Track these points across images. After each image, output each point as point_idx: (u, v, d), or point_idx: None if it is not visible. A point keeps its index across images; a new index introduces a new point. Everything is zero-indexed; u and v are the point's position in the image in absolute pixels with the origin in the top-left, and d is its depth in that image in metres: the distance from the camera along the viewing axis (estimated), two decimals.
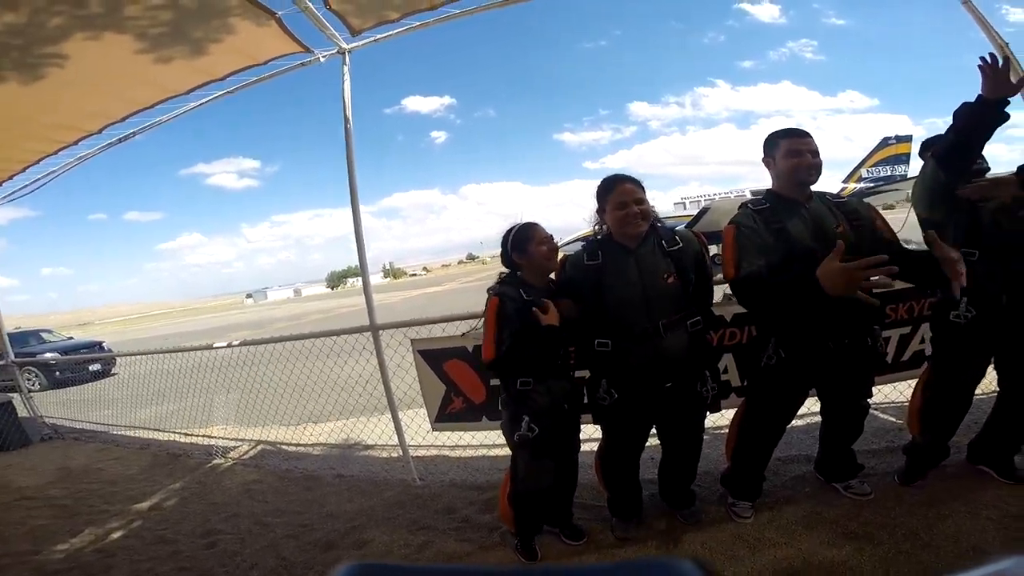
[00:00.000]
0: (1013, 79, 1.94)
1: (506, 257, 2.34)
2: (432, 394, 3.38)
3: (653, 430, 2.42)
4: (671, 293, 2.15)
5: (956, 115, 2.03)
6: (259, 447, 4.71)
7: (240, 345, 4.64)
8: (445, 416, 3.39)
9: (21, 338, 12.44)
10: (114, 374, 9.73)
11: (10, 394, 5.89)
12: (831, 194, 2.30)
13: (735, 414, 2.49)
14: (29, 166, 4.70)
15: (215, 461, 4.41)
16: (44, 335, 14.40)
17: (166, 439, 5.34)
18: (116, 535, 3.20)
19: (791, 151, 2.14)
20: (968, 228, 2.21)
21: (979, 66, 1.93)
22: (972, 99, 1.99)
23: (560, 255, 2.40)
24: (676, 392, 2.20)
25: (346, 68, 3.36)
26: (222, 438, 5.04)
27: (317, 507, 3.26)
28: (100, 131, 4.16)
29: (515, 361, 2.17)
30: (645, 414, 2.29)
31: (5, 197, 5.43)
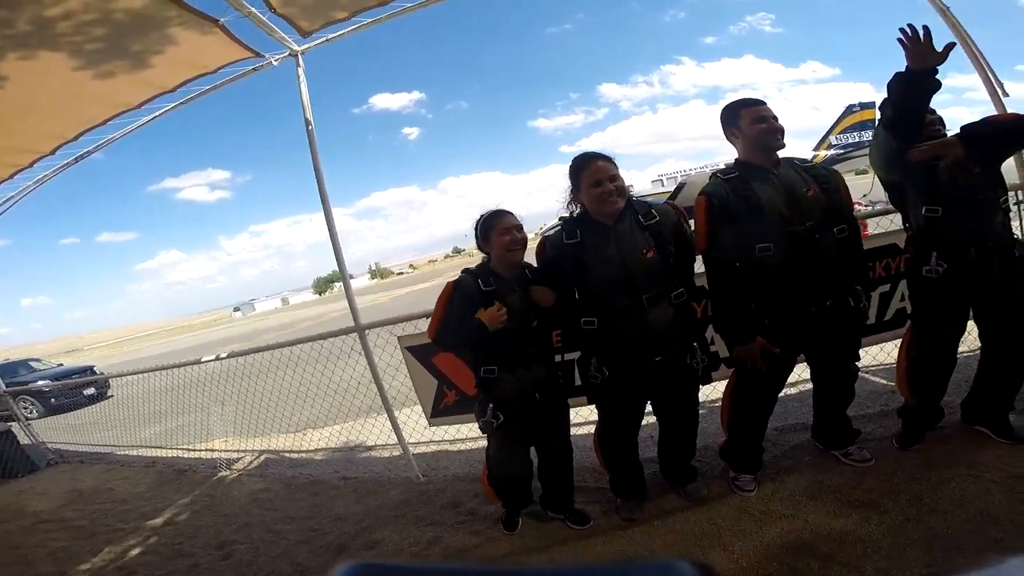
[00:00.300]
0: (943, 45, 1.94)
1: (478, 244, 2.38)
2: (425, 390, 3.38)
3: (649, 407, 2.45)
4: (652, 267, 2.16)
5: (889, 87, 2.07)
6: (262, 456, 4.76)
7: (228, 357, 4.61)
8: (440, 410, 3.40)
9: (10, 368, 12.42)
10: (109, 396, 9.73)
11: (9, 423, 5.88)
12: (799, 159, 2.34)
13: (727, 385, 2.52)
14: None
15: (221, 473, 4.46)
16: (33, 364, 14.28)
17: (171, 456, 5.38)
18: (134, 552, 3.26)
19: (756, 117, 2.18)
20: (927, 186, 2.25)
21: (898, 39, 1.93)
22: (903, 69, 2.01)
23: (540, 238, 2.41)
24: (666, 365, 2.21)
25: (300, 70, 3.31)
26: (225, 451, 5.07)
27: (326, 511, 3.31)
28: (53, 151, 4.08)
29: (451, 340, 2.33)
30: (638, 390, 2.30)
31: None
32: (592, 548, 2.36)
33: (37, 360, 15.03)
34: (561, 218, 2.33)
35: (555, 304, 2.28)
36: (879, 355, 3.30)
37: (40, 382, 11.10)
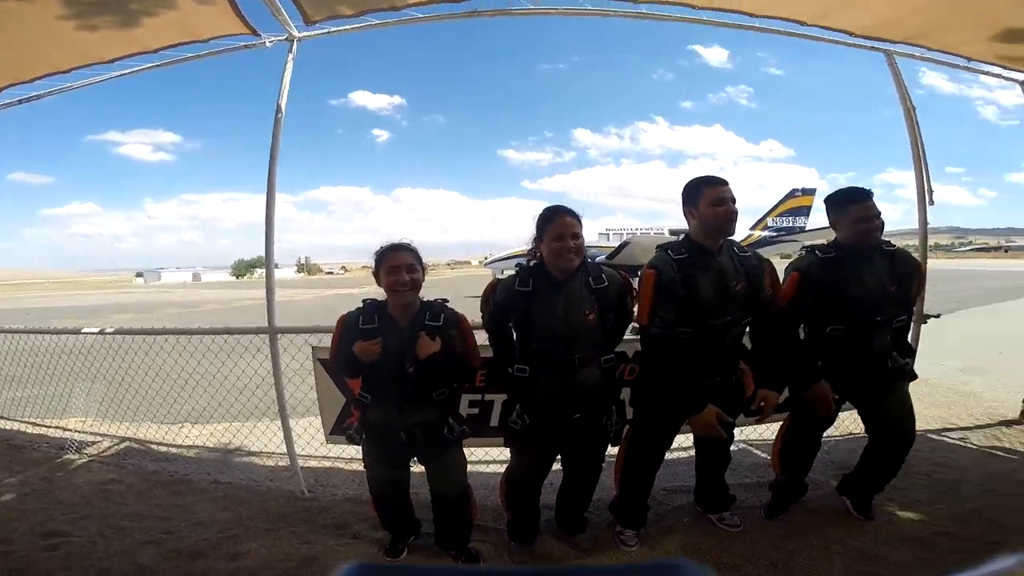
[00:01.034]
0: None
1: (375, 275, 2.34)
2: (330, 405, 3.24)
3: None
4: (591, 329, 2.24)
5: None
6: (123, 444, 4.22)
7: (115, 333, 4.22)
8: (342, 428, 3.15)
9: None
10: None
11: None
12: (739, 245, 2.45)
13: (622, 441, 2.56)
14: None
15: (67, 456, 3.89)
16: None
17: (9, 428, 4.68)
18: None
19: (716, 199, 2.25)
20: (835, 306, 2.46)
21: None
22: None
23: (493, 277, 2.41)
24: (584, 423, 2.28)
25: (291, 56, 3.22)
26: (79, 431, 4.45)
27: (186, 514, 2.96)
28: (0, 90, 3.73)
29: (341, 372, 2.46)
30: (553, 441, 2.36)
31: None
32: None
33: None
34: (517, 265, 2.38)
35: (430, 359, 2.21)
36: (764, 432, 3.51)
37: None
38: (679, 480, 3.14)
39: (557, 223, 2.20)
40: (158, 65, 3.54)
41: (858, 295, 2.40)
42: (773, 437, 3.32)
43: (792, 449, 2.73)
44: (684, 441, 2.82)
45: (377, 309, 2.29)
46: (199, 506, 3.07)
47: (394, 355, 2.20)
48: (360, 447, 2.42)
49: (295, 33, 3.19)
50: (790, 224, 25.44)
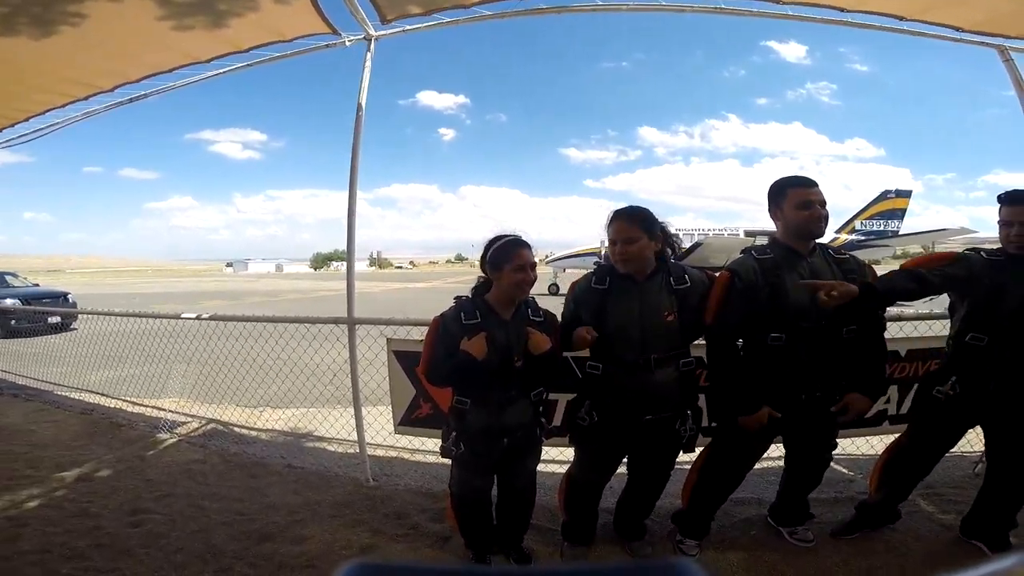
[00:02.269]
0: None
1: (482, 265, 2.25)
2: (401, 396, 3.31)
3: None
4: (668, 330, 2.18)
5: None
6: (209, 426, 4.49)
7: (210, 319, 4.48)
8: (410, 420, 3.33)
9: None
10: (73, 329, 9.33)
11: None
12: (834, 248, 2.34)
13: (698, 456, 2.48)
14: (33, 116, 4.59)
15: (160, 435, 4.18)
16: (8, 278, 13.78)
17: (112, 406, 5.08)
18: (33, 503, 2.98)
19: (801, 202, 2.16)
20: (982, 314, 2.21)
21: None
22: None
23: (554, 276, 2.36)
24: (655, 426, 2.22)
25: (369, 55, 3.31)
26: (172, 412, 4.79)
27: (259, 496, 3.10)
28: (112, 89, 4.05)
29: (437, 378, 2.25)
30: (621, 442, 2.30)
31: (2, 144, 5.33)
32: None
33: (13, 275, 14.48)
34: (596, 263, 2.28)
35: (548, 355, 2.16)
36: (848, 446, 3.32)
37: (8, 300, 10.70)
38: (750, 491, 2.95)
39: (613, 228, 2.21)
40: (249, 65, 3.74)
41: None
42: (856, 451, 3.35)
43: (899, 469, 2.49)
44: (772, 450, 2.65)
45: (476, 304, 2.20)
46: (271, 489, 3.20)
47: (501, 350, 2.13)
48: (449, 456, 2.29)
49: (372, 32, 3.27)
50: (881, 228, 23.38)
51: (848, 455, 3.37)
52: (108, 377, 5.53)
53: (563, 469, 3.26)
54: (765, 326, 2.16)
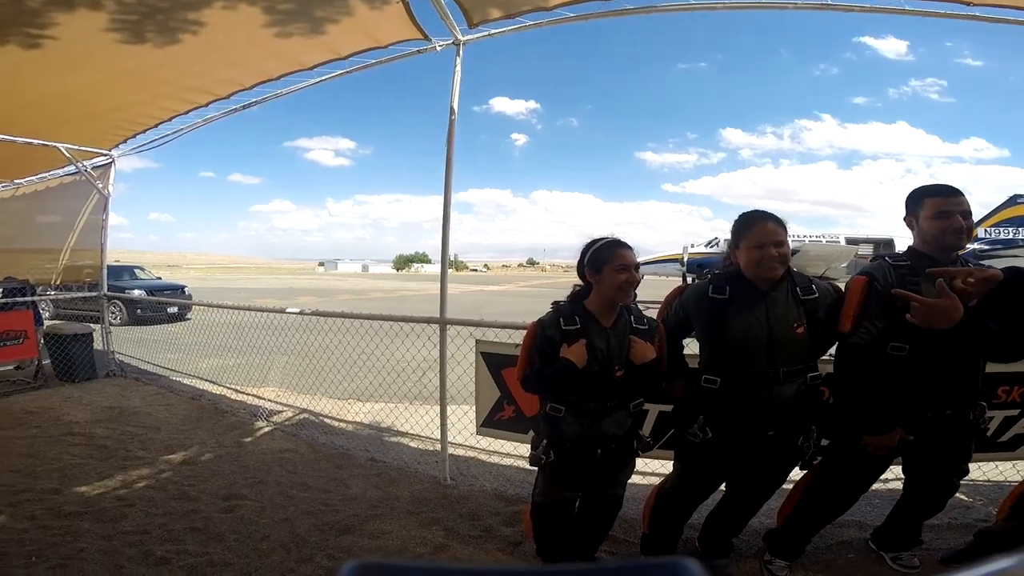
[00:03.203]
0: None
1: (580, 269, 2.15)
2: (485, 397, 3.35)
3: None
4: (798, 342, 2.06)
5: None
6: (302, 415, 4.74)
7: (311, 314, 4.75)
8: (493, 422, 3.35)
9: (116, 271, 13.22)
10: (188, 319, 10.25)
11: (92, 325, 6.22)
12: (974, 260, 2.15)
13: (803, 476, 2.32)
14: (161, 122, 5.05)
15: (258, 423, 4.46)
16: (137, 271, 15.35)
17: (218, 393, 5.49)
18: (141, 484, 3.23)
19: (939, 212, 1.98)
20: None
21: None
22: None
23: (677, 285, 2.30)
24: (776, 442, 2.10)
25: (459, 60, 3.38)
26: (270, 401, 5.11)
27: (343, 488, 3.21)
28: (229, 96, 4.41)
29: (533, 386, 2.16)
30: (735, 459, 2.17)
31: (135, 148, 5.85)
32: None
33: (141, 268, 16.13)
34: (708, 272, 2.28)
35: (651, 365, 2.07)
36: (974, 472, 2.89)
37: (136, 292, 11.95)
38: (850, 513, 2.67)
39: (757, 230, 2.04)
40: (347, 72, 3.93)
41: None
42: (980, 477, 3.07)
43: None
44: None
45: (576, 310, 2.11)
46: (354, 481, 3.31)
47: (601, 359, 2.04)
48: (538, 464, 2.20)
49: (460, 37, 3.33)
50: (1011, 236, 20.58)
51: (969, 480, 2.96)
52: (216, 365, 6.00)
53: (645, 481, 3.19)
54: (890, 336, 1.99)
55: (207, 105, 4.60)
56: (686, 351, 2.39)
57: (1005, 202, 21.05)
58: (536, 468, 2.25)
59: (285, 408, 4.91)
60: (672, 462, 2.37)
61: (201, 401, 5.17)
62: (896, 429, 2.02)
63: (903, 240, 17.45)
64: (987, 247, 20.18)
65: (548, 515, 2.27)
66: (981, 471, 3.01)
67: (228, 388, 5.60)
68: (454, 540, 2.64)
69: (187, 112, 4.76)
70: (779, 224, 2.05)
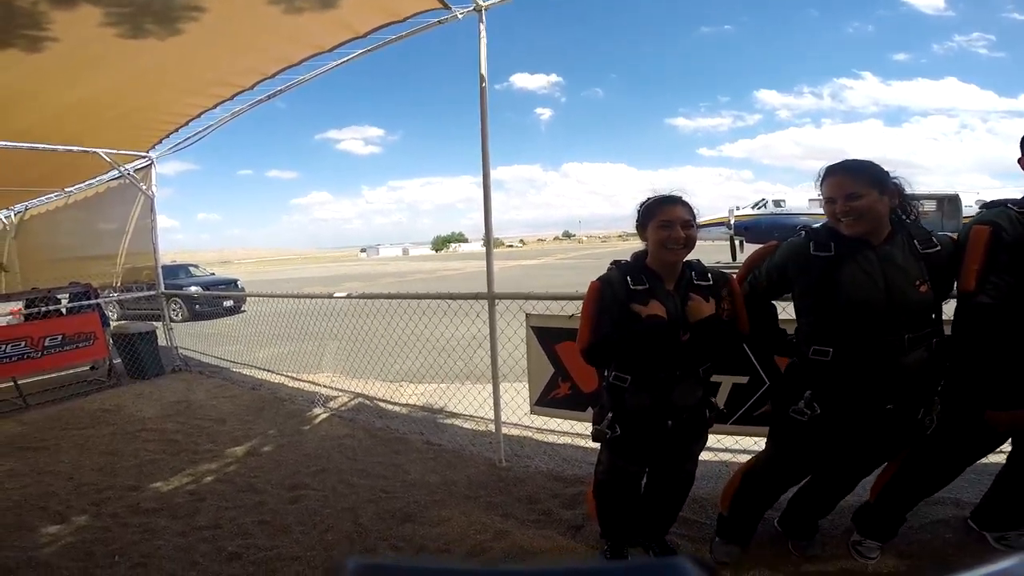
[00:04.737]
0: None
1: (638, 229, 2.02)
2: (538, 375, 3.25)
3: None
4: (922, 303, 1.80)
5: None
6: (357, 400, 4.81)
7: (359, 297, 4.79)
8: (548, 400, 3.25)
9: (172, 271, 13.87)
10: (243, 311, 10.63)
11: (154, 323, 6.49)
12: None
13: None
14: (192, 119, 5.10)
15: (315, 410, 4.55)
16: (191, 269, 16.07)
17: (276, 381, 5.66)
18: (210, 478, 3.33)
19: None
20: None
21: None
22: None
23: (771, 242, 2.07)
24: (895, 416, 1.87)
25: (482, 26, 3.25)
26: (325, 387, 5.21)
27: (402, 473, 3.23)
28: (253, 87, 4.39)
29: (609, 352, 1.98)
30: (848, 437, 1.94)
31: (171, 148, 5.97)
32: None
33: (195, 266, 16.91)
34: (804, 227, 2.01)
35: (706, 322, 1.89)
36: None
37: (192, 288, 12.47)
38: (946, 490, 2.47)
39: (828, 184, 1.85)
40: (368, 50, 3.83)
41: None
42: None
43: None
44: None
45: (641, 269, 1.97)
46: (413, 466, 3.33)
47: (669, 321, 1.88)
48: (601, 439, 2.07)
49: (481, 2, 3.21)
50: None
51: None
52: (272, 354, 6.18)
53: (717, 458, 3.07)
54: (1019, 292, 1.73)
55: (232, 98, 4.59)
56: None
57: None
58: (598, 444, 2.14)
59: (340, 393, 5.01)
60: (754, 442, 2.21)
61: (261, 391, 5.33)
62: None
63: (968, 196, 16.27)
64: None
65: (613, 493, 2.18)
66: None
67: (285, 376, 5.75)
68: (513, 525, 2.59)
69: (214, 107, 4.78)
70: (851, 174, 1.82)
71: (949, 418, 1.92)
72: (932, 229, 1.93)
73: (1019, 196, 1.82)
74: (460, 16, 3.30)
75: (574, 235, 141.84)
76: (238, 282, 15.54)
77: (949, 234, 1.92)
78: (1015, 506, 2.15)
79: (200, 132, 5.45)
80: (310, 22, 3.31)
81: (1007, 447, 2.07)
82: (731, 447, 3.17)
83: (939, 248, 1.83)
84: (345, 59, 3.96)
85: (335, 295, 4.91)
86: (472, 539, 2.50)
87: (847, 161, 1.85)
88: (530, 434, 3.73)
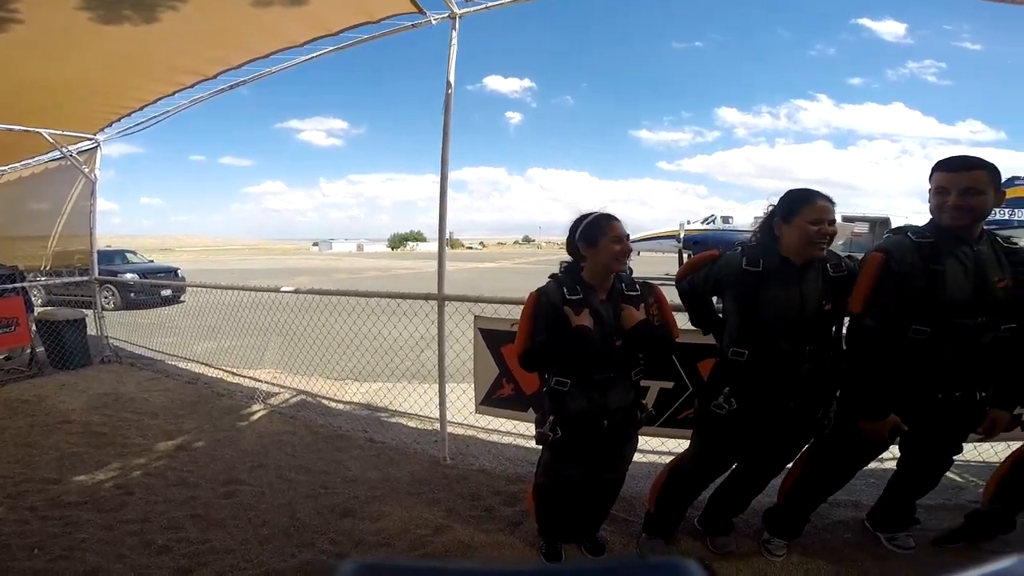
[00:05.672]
0: None
1: (571, 245, 2.16)
2: (484, 375, 3.32)
3: None
4: (825, 320, 2.07)
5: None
6: (299, 397, 4.73)
7: (308, 292, 4.69)
8: (492, 400, 3.33)
9: (108, 256, 13.06)
10: (182, 301, 10.17)
11: (85, 311, 6.12)
12: (1003, 236, 2.06)
13: (803, 451, 2.34)
14: (147, 105, 4.91)
15: (255, 406, 4.43)
16: (128, 255, 15.17)
17: (215, 376, 5.47)
18: (139, 472, 3.21)
19: (938, 188, 1.93)
20: None
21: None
22: None
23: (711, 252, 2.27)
24: (796, 414, 2.13)
25: (455, 33, 3.30)
26: (267, 383, 5.09)
27: (342, 470, 3.21)
28: (215, 76, 4.27)
29: (542, 358, 2.12)
30: (757, 431, 2.17)
31: (121, 132, 5.71)
32: None
33: (133, 252, 15.95)
34: (740, 244, 2.25)
35: (638, 328, 2.05)
36: (966, 451, 2.92)
37: (128, 275, 11.84)
38: (847, 493, 2.73)
39: (816, 206, 1.99)
40: (339, 48, 3.79)
41: None
42: (974, 456, 3.12)
43: (1021, 480, 2.28)
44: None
45: (576, 281, 2.11)
46: (354, 463, 3.31)
47: (604, 326, 2.05)
48: (544, 442, 2.17)
49: (456, 9, 3.25)
50: (1007, 216, 20.89)
51: (963, 460, 3.01)
52: (212, 348, 5.97)
53: (645, 459, 3.30)
54: (909, 317, 1.95)
55: (193, 86, 4.46)
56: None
57: (1003, 184, 21.15)
58: (541, 447, 2.24)
59: (282, 390, 4.90)
60: (678, 444, 2.39)
61: (197, 385, 5.14)
62: (890, 416, 2.01)
63: (899, 220, 17.59)
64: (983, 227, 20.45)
65: (552, 494, 2.28)
66: (977, 451, 3.04)
67: (224, 371, 5.57)
68: (455, 521, 2.64)
69: (173, 94, 4.63)
70: (832, 204, 2.02)
71: (840, 425, 2.15)
72: (865, 249, 2.17)
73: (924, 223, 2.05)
74: (434, 22, 3.34)
75: (534, 240, 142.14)
76: (179, 271, 14.84)
77: (858, 257, 2.12)
78: (903, 509, 2.40)
79: (155, 117, 5.24)
80: (282, 17, 3.28)
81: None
82: (657, 448, 3.31)
83: (845, 273, 2.06)
84: (314, 55, 3.92)
85: (282, 289, 4.80)
86: (413, 533, 2.53)
87: (822, 191, 2.05)
88: (475, 433, 3.78)
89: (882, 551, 2.37)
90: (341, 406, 4.52)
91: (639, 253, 21.75)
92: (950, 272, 1.90)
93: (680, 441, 2.82)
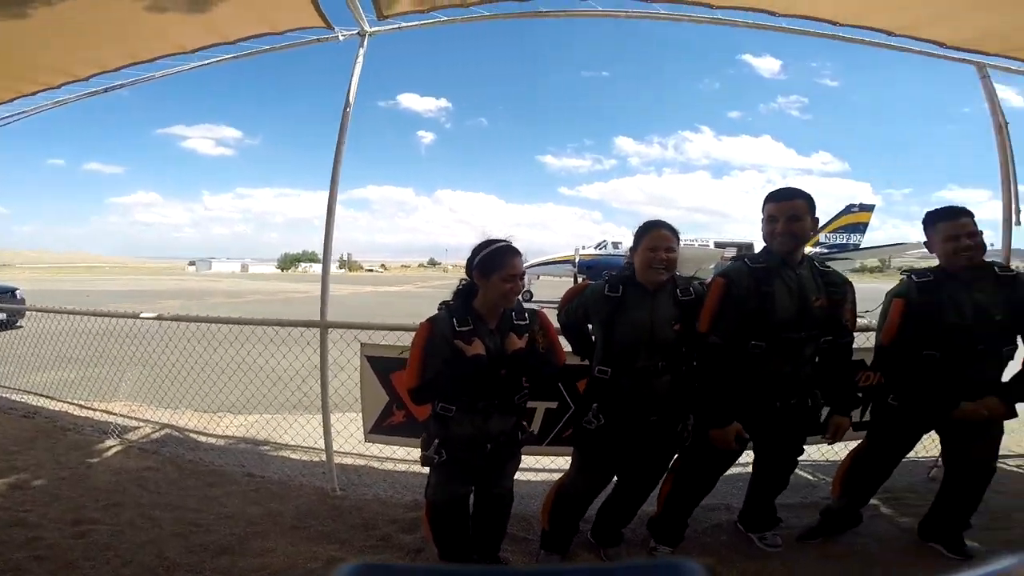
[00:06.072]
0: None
1: (469, 269, 2.20)
2: (372, 403, 3.23)
3: None
4: (674, 339, 2.26)
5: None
6: (163, 431, 4.26)
7: (172, 319, 4.29)
8: (382, 428, 3.23)
9: None
10: (19, 327, 8.80)
11: None
12: (819, 259, 2.45)
13: (674, 462, 2.53)
14: (1, 103, 4.32)
15: (109, 442, 3.93)
16: None
17: (58, 409, 4.80)
18: None
19: (769, 216, 2.28)
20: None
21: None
22: None
23: (580, 281, 2.41)
24: (658, 427, 2.30)
25: (362, 51, 3.27)
26: (123, 416, 4.54)
27: (217, 506, 2.93)
28: (87, 79, 3.83)
29: (434, 394, 2.17)
30: (625, 445, 2.32)
31: None
32: None
33: None
34: (607, 272, 2.45)
35: (522, 354, 2.15)
36: (812, 452, 3.38)
37: None
38: (719, 498, 2.99)
39: (653, 235, 2.26)
40: (235, 57, 3.59)
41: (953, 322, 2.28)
42: (821, 456, 3.47)
43: (859, 475, 2.64)
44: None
45: (468, 311, 2.15)
46: (230, 499, 3.04)
47: (490, 358, 2.10)
48: (430, 464, 2.21)
49: (367, 28, 3.21)
50: (844, 241, 24.71)
51: (812, 461, 3.47)
52: (55, 379, 5.20)
53: (538, 478, 3.27)
54: (747, 334, 2.23)
55: (59, 87, 3.98)
56: None
57: (841, 211, 25.51)
58: (428, 468, 2.26)
59: (141, 424, 4.38)
60: (566, 460, 2.50)
61: (37, 419, 4.48)
62: (734, 424, 2.25)
63: (759, 245, 20.05)
64: (826, 251, 24.04)
65: (444, 514, 2.28)
66: (820, 452, 3.40)
67: (70, 404, 4.90)
68: (348, 552, 2.50)
69: (33, 94, 4.11)
70: (671, 231, 2.28)
71: (697, 436, 2.38)
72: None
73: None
74: (342, 39, 3.27)
75: (440, 263, 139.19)
76: (17, 291, 12.84)
77: (705, 281, 2.42)
78: (765, 509, 2.65)
79: (8, 117, 4.60)
80: (173, 22, 3.06)
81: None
82: (548, 467, 3.37)
83: (693, 296, 2.30)
84: (206, 62, 3.66)
85: (142, 315, 4.34)
86: (301, 568, 2.38)
87: (665, 221, 2.32)
88: (366, 462, 3.62)
89: (755, 550, 2.56)
90: (214, 440, 4.13)
91: (538, 277, 22.58)
92: (778, 293, 2.22)
93: (568, 458, 2.93)
